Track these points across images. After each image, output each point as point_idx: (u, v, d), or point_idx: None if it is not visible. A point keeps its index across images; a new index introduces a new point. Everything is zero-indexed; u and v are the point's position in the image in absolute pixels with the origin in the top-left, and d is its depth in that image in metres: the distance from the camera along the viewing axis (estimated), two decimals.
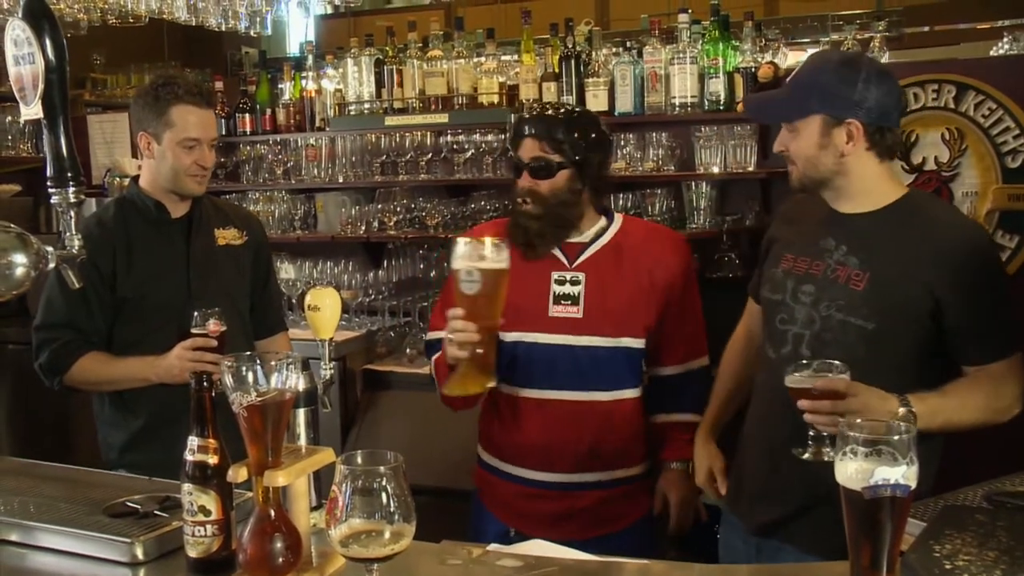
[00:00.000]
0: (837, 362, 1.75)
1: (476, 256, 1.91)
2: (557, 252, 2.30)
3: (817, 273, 1.96)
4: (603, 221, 2.35)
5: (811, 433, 1.74)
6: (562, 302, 2.27)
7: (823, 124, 1.88)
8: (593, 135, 2.28)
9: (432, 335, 2.39)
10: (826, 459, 1.71)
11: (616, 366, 2.28)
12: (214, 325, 2.30)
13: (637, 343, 2.29)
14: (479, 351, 1.98)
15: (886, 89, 1.88)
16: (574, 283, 2.28)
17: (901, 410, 1.74)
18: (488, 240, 1.93)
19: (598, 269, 2.28)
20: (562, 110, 2.32)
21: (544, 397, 2.27)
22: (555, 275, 2.28)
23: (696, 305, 2.40)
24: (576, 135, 2.24)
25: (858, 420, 1.21)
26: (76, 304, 2.38)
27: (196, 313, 2.33)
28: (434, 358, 2.32)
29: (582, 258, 2.30)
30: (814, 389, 1.71)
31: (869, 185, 1.93)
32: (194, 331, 2.32)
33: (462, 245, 1.93)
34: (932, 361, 1.88)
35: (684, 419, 2.37)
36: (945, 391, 1.82)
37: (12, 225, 1.52)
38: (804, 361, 1.78)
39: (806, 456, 1.75)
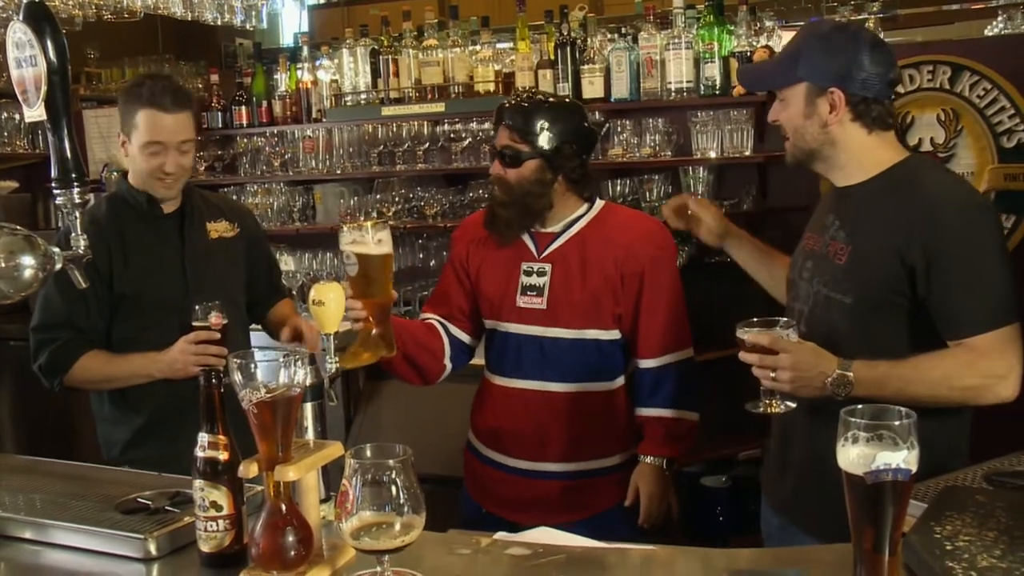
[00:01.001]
0: (786, 319, 1.81)
1: (355, 240, 1.94)
2: (529, 242, 2.33)
3: (817, 249, 1.96)
4: (581, 210, 2.34)
5: (761, 387, 1.81)
6: (528, 293, 2.30)
7: (807, 92, 1.86)
8: (570, 127, 2.26)
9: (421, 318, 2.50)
10: (772, 411, 1.80)
11: (585, 357, 2.29)
12: (216, 318, 2.31)
13: (608, 335, 2.30)
14: (373, 328, 2.00)
15: (875, 60, 1.83)
16: (540, 274, 2.30)
17: (838, 372, 1.73)
18: (368, 224, 1.95)
19: (565, 260, 2.29)
20: (543, 101, 2.31)
21: (511, 385, 2.33)
22: (524, 265, 2.31)
23: (673, 296, 2.35)
24: (548, 127, 2.24)
25: (860, 406, 1.22)
26: (74, 303, 2.37)
27: (197, 307, 2.34)
28: None
29: (550, 249, 2.31)
30: (746, 342, 1.78)
31: (859, 155, 1.88)
32: (195, 324, 2.33)
33: (345, 230, 1.96)
34: (930, 340, 1.78)
35: (657, 414, 2.32)
36: (903, 362, 1.75)
37: (19, 227, 1.54)
38: (755, 319, 1.81)
39: (758, 410, 1.82)
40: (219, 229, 2.60)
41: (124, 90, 2.48)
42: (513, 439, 2.33)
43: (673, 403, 2.33)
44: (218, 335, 2.31)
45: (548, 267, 2.29)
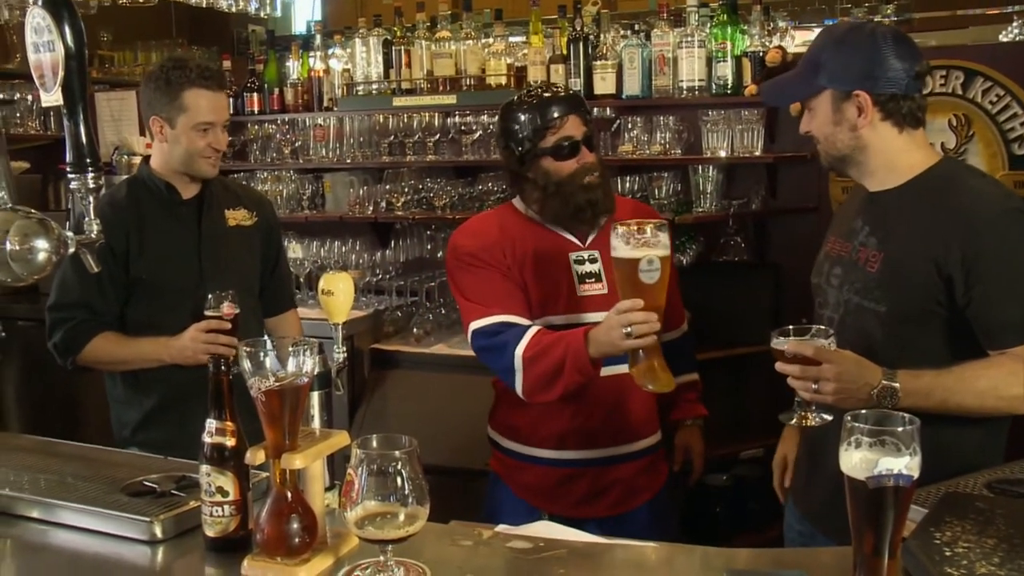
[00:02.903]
0: (822, 327, 1.74)
1: (646, 243, 1.88)
2: (567, 234, 2.32)
3: (845, 255, 1.92)
4: None
5: (796, 399, 1.74)
6: (587, 280, 2.28)
7: (833, 99, 1.83)
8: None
9: (495, 319, 2.22)
10: (807, 424, 1.73)
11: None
12: (228, 308, 2.33)
13: None
14: (658, 348, 1.97)
15: (898, 54, 1.79)
16: (592, 261, 2.30)
17: (883, 383, 1.69)
18: (650, 226, 1.89)
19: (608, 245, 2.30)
20: (567, 89, 2.41)
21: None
22: (573, 256, 2.30)
23: (676, 274, 2.48)
24: (588, 109, 2.36)
25: (863, 411, 1.23)
26: (90, 284, 2.40)
27: (210, 295, 2.35)
28: (520, 353, 2.15)
29: (592, 236, 2.32)
30: (786, 352, 1.70)
31: (892, 158, 1.84)
32: (208, 313, 2.35)
33: (622, 233, 1.88)
34: (969, 349, 1.75)
35: (688, 379, 2.53)
36: (946, 371, 1.73)
37: (33, 211, 1.55)
38: (791, 327, 1.74)
39: (792, 422, 1.75)
40: (237, 217, 2.61)
41: (157, 74, 2.46)
42: (591, 430, 2.29)
43: (693, 367, 2.57)
44: (229, 325, 2.33)
45: (597, 253, 2.29)
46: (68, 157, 1.62)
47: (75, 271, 2.38)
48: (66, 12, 1.56)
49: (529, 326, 2.20)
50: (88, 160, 1.62)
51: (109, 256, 2.38)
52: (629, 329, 1.92)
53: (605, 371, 2.20)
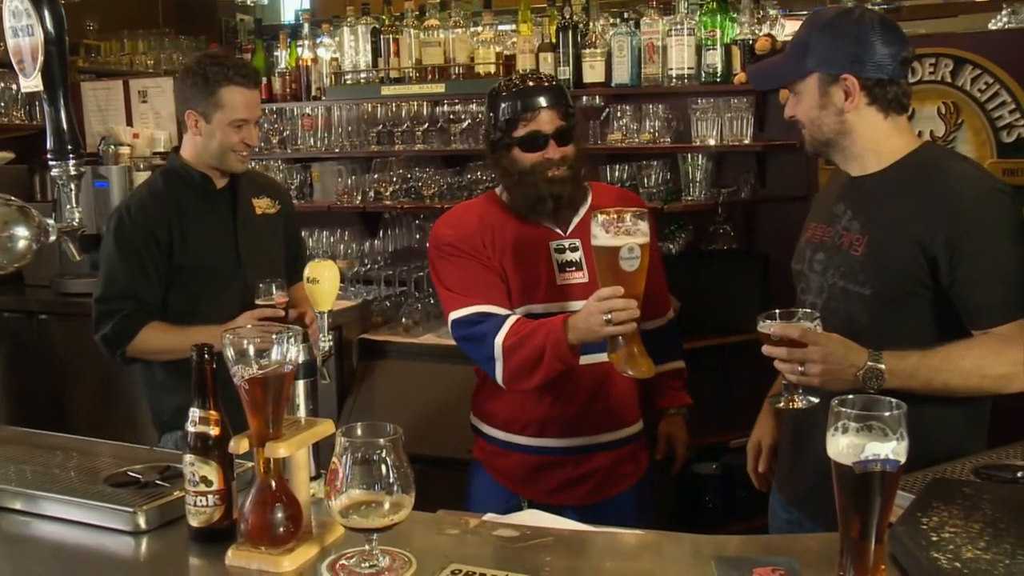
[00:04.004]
0: (808, 311, 1.75)
1: (627, 231, 1.89)
2: (547, 222, 2.31)
3: (828, 240, 1.93)
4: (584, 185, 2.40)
5: (783, 382, 1.76)
6: (567, 269, 2.28)
7: (820, 83, 1.84)
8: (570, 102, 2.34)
9: (474, 309, 2.24)
10: (794, 406, 1.74)
11: None
12: (280, 296, 2.42)
13: None
14: (637, 335, 1.98)
15: (885, 39, 1.80)
16: (572, 250, 2.29)
17: (869, 364, 1.70)
18: (629, 214, 1.91)
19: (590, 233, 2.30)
20: (552, 80, 2.35)
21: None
22: (553, 244, 2.29)
23: (660, 262, 2.51)
24: (571, 103, 2.32)
25: (851, 396, 1.22)
26: (136, 274, 2.48)
27: (261, 284, 2.44)
28: (500, 341, 2.17)
29: (573, 224, 2.31)
30: (772, 335, 1.71)
31: (876, 143, 1.86)
32: (259, 302, 2.42)
33: (603, 222, 1.89)
34: (954, 330, 1.77)
35: (672, 367, 2.52)
36: (931, 352, 1.73)
37: (13, 198, 1.53)
38: (777, 311, 1.75)
39: (779, 405, 1.76)
40: (262, 205, 2.72)
41: (195, 69, 2.52)
42: (571, 418, 2.30)
43: (678, 355, 2.55)
44: (283, 312, 2.41)
45: (578, 242, 2.29)
46: (49, 144, 1.60)
47: (122, 260, 2.48)
48: None
49: (508, 315, 2.22)
50: (69, 147, 1.60)
51: (154, 245, 2.49)
52: (609, 316, 1.93)
53: (585, 359, 2.20)
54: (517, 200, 2.30)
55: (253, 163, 4.22)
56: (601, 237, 1.92)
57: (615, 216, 1.90)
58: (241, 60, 2.62)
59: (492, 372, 2.22)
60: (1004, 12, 3.71)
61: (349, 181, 3.98)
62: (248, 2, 3.60)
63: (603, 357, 2.12)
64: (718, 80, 3.43)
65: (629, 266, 1.90)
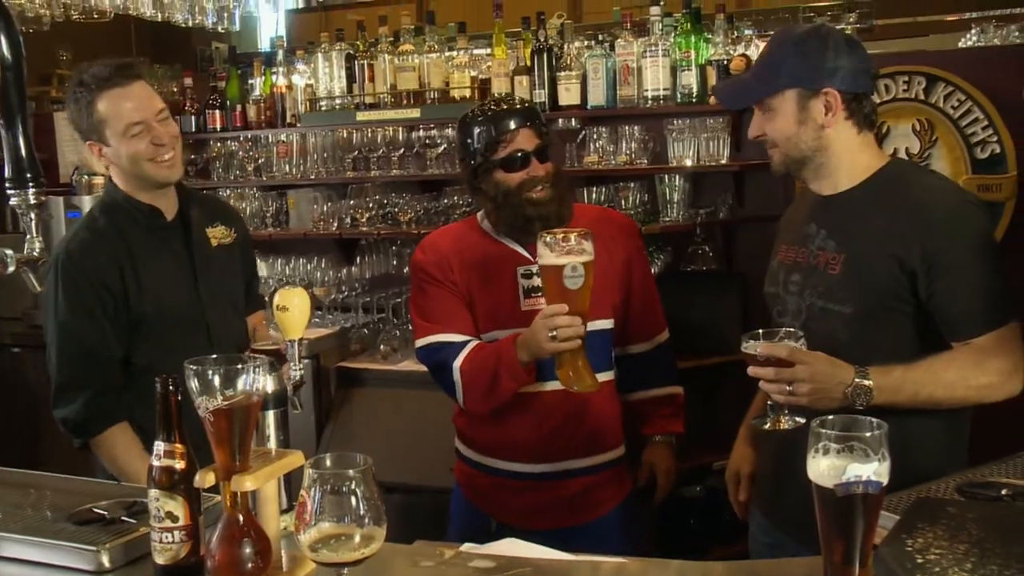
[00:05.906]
0: (791, 330, 1.74)
1: (570, 251, 1.94)
2: (518, 247, 2.29)
3: (803, 261, 1.92)
4: None
5: (768, 403, 1.74)
6: (533, 295, 2.25)
7: (799, 98, 1.83)
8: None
9: (434, 339, 2.27)
10: (780, 427, 1.72)
11: (591, 352, 2.25)
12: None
13: (607, 324, 2.31)
14: (582, 352, 2.02)
15: (857, 55, 1.82)
16: (539, 275, 2.27)
17: (856, 381, 1.70)
18: (574, 234, 1.95)
19: None
20: (524, 102, 2.37)
21: (529, 390, 2.24)
22: (521, 269, 2.27)
23: (652, 283, 2.48)
24: (543, 120, 2.34)
25: (831, 417, 1.20)
26: (91, 330, 2.17)
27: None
28: (458, 365, 2.21)
29: None
30: (758, 355, 1.70)
31: (850, 159, 1.86)
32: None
33: (549, 242, 1.95)
34: (934, 343, 1.78)
35: (661, 393, 2.46)
36: (915, 365, 1.74)
37: None
38: (760, 331, 1.74)
39: (765, 427, 1.75)
40: (217, 235, 2.42)
41: (68, 100, 2.25)
42: (536, 444, 2.28)
43: (669, 380, 2.48)
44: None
45: None
46: (7, 172, 1.56)
47: (72, 313, 2.17)
48: (2, 21, 1.51)
49: (468, 341, 2.24)
50: (28, 175, 1.56)
51: (106, 294, 2.19)
52: (554, 333, 1.98)
53: (547, 387, 2.22)
54: (503, 223, 2.28)
55: (228, 191, 4.20)
56: (547, 256, 1.97)
57: (560, 236, 1.95)
58: (109, 61, 2.20)
59: (456, 398, 2.26)
60: (973, 31, 3.75)
61: (325, 207, 3.95)
62: (219, 28, 3.57)
63: None
64: (694, 100, 3.44)
65: (573, 284, 1.95)
